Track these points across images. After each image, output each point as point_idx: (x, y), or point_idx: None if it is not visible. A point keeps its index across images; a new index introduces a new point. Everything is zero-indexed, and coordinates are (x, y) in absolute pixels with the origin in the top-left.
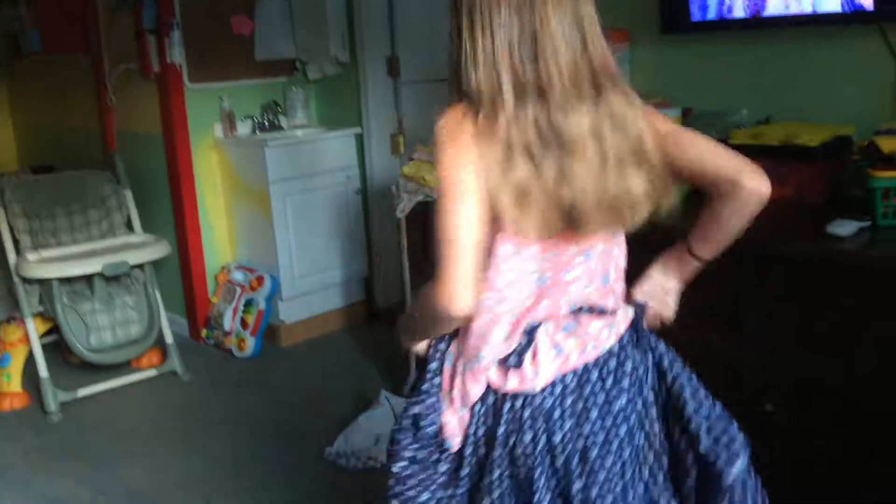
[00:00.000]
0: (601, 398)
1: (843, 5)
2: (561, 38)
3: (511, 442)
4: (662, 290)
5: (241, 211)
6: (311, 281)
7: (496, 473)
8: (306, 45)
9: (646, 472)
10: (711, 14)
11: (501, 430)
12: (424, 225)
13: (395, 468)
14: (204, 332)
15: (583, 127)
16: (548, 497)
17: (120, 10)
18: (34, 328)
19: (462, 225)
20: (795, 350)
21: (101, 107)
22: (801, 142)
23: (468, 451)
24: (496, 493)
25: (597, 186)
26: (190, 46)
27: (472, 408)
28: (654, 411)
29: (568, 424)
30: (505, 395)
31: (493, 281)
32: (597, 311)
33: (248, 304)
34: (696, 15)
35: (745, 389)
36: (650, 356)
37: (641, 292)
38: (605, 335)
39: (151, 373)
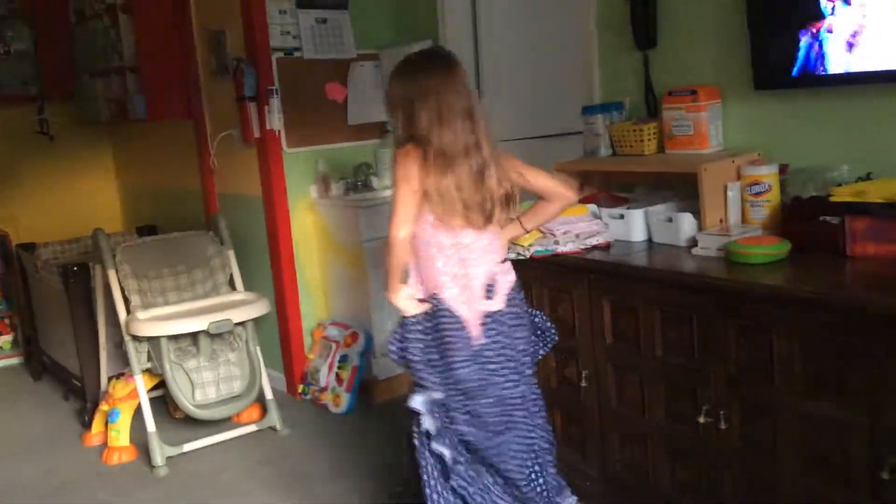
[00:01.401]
0: (521, 308)
1: None
2: (480, 115)
3: (505, 339)
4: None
5: (335, 269)
6: None
7: (504, 359)
8: None
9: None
10: (807, 69)
11: (493, 334)
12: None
13: (468, 367)
14: (300, 388)
15: (490, 162)
16: (528, 361)
17: (221, 79)
18: (143, 384)
19: (408, 196)
20: None
21: (204, 170)
22: None
23: (493, 355)
24: (507, 374)
25: (495, 192)
26: (287, 113)
27: (483, 327)
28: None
29: (521, 321)
30: (491, 313)
31: (460, 248)
32: (509, 260)
33: (343, 360)
34: (791, 71)
35: (858, 456)
36: None
37: None
38: (512, 273)
39: (251, 428)
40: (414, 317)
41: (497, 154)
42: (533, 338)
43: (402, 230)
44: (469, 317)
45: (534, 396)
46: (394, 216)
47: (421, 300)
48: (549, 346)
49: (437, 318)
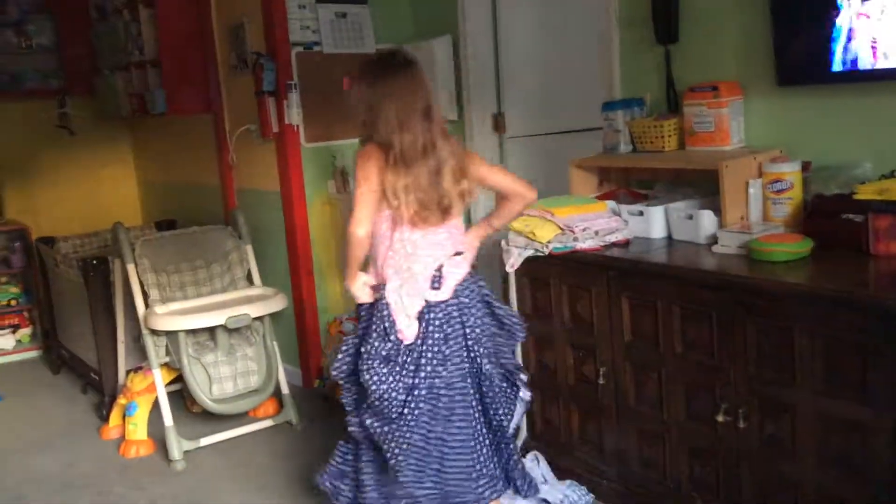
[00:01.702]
0: (472, 297)
1: None
2: (437, 113)
3: (445, 328)
4: (471, 243)
5: None
6: None
7: (437, 348)
8: None
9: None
10: (831, 66)
11: (437, 322)
12: (534, 279)
13: (375, 363)
14: (316, 383)
15: (446, 160)
16: (463, 354)
17: (240, 73)
18: (161, 378)
19: (366, 195)
20: None
21: (223, 165)
22: None
23: (418, 342)
24: (435, 362)
25: (451, 189)
26: (306, 107)
27: (421, 318)
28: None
29: (470, 311)
30: (435, 304)
31: (406, 244)
32: (461, 254)
33: None
34: (814, 67)
35: (880, 457)
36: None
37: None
38: (465, 266)
39: (268, 422)
40: (364, 304)
41: (456, 151)
42: (500, 336)
43: (360, 228)
44: (407, 309)
45: (462, 387)
46: (354, 214)
47: (374, 288)
48: (516, 341)
49: (375, 308)
